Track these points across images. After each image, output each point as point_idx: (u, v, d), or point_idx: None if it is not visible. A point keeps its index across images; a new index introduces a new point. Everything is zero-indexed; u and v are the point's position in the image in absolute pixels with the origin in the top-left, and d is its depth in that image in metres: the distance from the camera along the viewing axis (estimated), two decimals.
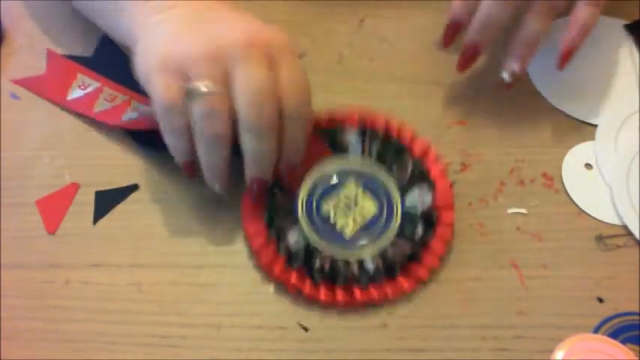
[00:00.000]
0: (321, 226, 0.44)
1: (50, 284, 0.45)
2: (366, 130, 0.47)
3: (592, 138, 0.49)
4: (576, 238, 0.46)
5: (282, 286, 0.44)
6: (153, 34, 0.43)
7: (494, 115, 0.51)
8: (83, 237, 0.46)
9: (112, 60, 0.53)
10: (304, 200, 0.45)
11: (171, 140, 0.43)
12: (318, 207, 0.45)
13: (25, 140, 0.50)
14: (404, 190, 0.45)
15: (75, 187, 0.48)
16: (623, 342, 0.40)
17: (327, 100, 0.48)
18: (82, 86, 0.51)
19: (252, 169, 0.42)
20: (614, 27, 0.55)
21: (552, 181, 0.48)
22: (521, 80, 0.51)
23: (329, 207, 0.45)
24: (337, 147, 0.47)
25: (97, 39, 0.53)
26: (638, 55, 0.53)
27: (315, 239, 0.44)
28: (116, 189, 0.48)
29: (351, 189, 0.45)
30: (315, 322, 0.43)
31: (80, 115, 0.51)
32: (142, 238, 0.46)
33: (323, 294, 0.43)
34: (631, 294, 0.43)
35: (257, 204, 0.45)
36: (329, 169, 0.46)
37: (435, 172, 0.46)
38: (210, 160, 0.42)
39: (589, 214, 0.46)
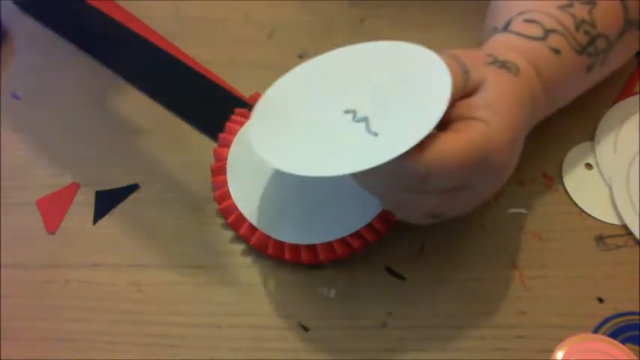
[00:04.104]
0: None
1: (50, 284, 0.45)
2: None
3: (592, 138, 0.49)
4: (576, 238, 0.46)
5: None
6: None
7: None
8: (83, 237, 0.46)
9: None
10: None
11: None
12: None
13: (25, 140, 0.50)
14: None
15: (75, 187, 0.48)
16: (623, 342, 0.40)
17: None
18: None
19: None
20: None
21: (552, 181, 0.48)
22: None
23: None
24: None
25: None
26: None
27: None
28: (116, 189, 0.48)
29: None
30: (315, 322, 0.43)
31: (80, 115, 0.51)
32: (142, 238, 0.46)
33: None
34: (631, 294, 0.43)
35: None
36: None
37: None
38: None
39: (589, 214, 0.46)
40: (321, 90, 0.40)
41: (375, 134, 0.37)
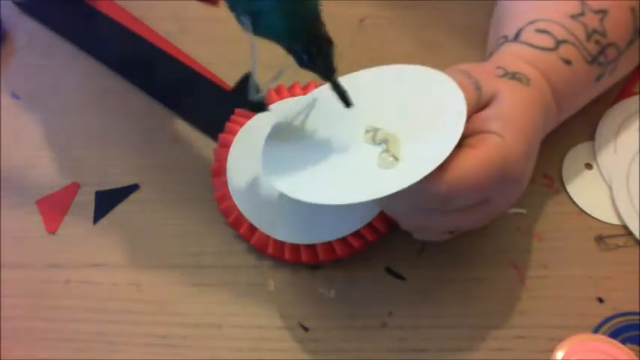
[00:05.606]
0: None
1: (50, 284, 0.45)
2: None
3: (592, 138, 0.49)
4: (576, 238, 0.46)
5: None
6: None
7: None
8: (83, 237, 0.46)
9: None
10: None
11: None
12: None
13: (25, 140, 0.50)
14: None
15: (75, 187, 0.48)
16: (623, 342, 0.40)
17: None
18: None
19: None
20: None
21: (552, 181, 0.48)
22: None
23: None
24: None
25: None
26: None
27: None
28: (116, 189, 0.48)
29: None
30: (315, 322, 0.43)
31: (80, 115, 0.51)
32: (142, 238, 0.46)
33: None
34: (631, 294, 0.43)
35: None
36: None
37: None
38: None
39: (589, 214, 0.46)
40: (333, 116, 0.40)
41: (392, 159, 0.37)
